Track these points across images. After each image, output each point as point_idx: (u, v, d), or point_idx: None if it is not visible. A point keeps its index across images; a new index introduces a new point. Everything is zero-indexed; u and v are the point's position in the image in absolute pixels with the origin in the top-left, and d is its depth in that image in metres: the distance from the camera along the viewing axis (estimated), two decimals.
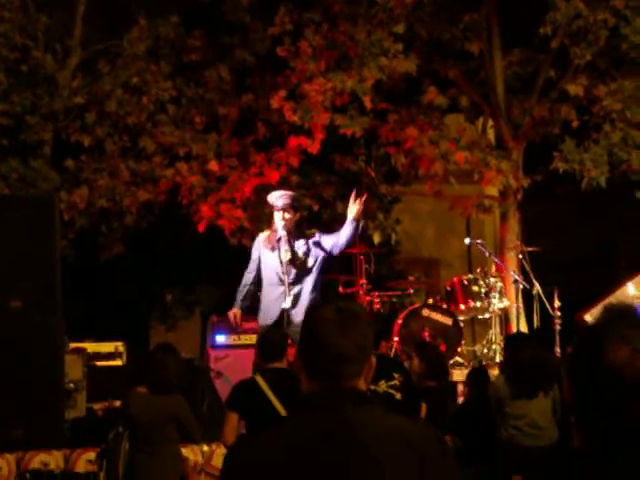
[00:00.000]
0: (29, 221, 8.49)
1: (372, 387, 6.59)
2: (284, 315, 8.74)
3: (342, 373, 2.56)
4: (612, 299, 11.30)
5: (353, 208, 8.90)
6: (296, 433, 2.51)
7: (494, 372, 9.13)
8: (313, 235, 9.14)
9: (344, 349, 2.56)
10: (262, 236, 9.22)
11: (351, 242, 9.10)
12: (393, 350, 10.90)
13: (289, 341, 7.84)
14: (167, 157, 12.65)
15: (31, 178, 11.76)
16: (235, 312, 9.09)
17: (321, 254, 9.01)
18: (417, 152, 12.59)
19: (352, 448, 2.45)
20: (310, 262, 8.95)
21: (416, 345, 8.50)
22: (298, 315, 8.71)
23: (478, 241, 11.76)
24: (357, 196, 8.91)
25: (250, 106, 12.81)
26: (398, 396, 6.67)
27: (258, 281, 9.15)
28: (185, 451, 7.46)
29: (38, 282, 8.39)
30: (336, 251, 9.02)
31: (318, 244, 9.01)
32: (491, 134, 14.11)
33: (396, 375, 6.74)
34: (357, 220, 8.90)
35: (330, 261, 9.20)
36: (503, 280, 11.59)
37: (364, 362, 2.61)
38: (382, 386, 6.62)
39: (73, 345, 10.04)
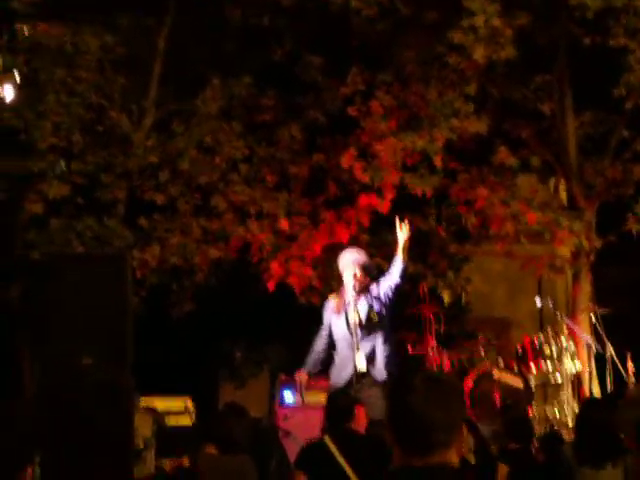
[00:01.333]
0: (102, 279, 8.58)
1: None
2: (355, 377, 8.70)
3: (431, 443, 2.53)
4: None
5: (400, 236, 8.86)
6: None
7: (565, 436, 8.98)
8: (368, 287, 9.10)
9: (434, 419, 2.53)
10: (332, 301, 9.23)
11: (404, 276, 9.04)
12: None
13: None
14: (238, 215, 12.73)
15: (105, 236, 11.90)
16: (302, 375, 9.08)
17: (383, 305, 8.98)
18: (488, 212, 12.55)
19: None
20: (375, 317, 8.93)
21: (501, 407, 8.42)
22: (376, 373, 8.68)
23: (550, 302, 11.61)
24: (401, 223, 8.88)
25: (321, 165, 12.87)
26: (473, 461, 6.59)
27: (330, 346, 9.16)
28: None
29: (110, 339, 8.46)
30: (392, 291, 8.98)
31: (376, 297, 8.99)
32: (563, 195, 13.99)
33: (470, 439, 6.67)
34: (405, 249, 8.86)
35: (394, 309, 9.17)
36: (575, 342, 11.43)
37: (454, 432, 2.57)
38: None
39: (143, 402, 10.09)
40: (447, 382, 2.64)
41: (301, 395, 9.56)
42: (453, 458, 2.57)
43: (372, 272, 9.33)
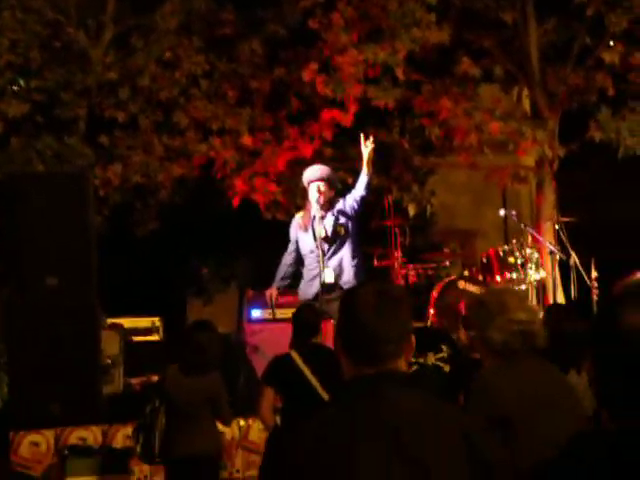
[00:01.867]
0: (64, 198, 8.54)
1: (420, 360, 6.61)
2: (322, 291, 8.77)
3: (382, 354, 2.57)
4: None
5: (364, 150, 8.89)
6: (340, 419, 2.51)
7: None
8: (337, 201, 9.14)
9: (384, 331, 2.57)
10: (298, 217, 9.28)
11: (369, 189, 9.09)
12: (429, 322, 10.88)
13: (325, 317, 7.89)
14: (200, 132, 12.65)
15: (66, 155, 11.79)
16: (272, 292, 9.19)
17: (349, 219, 9.03)
18: (451, 123, 12.52)
19: (397, 431, 2.45)
20: (342, 231, 8.98)
21: (463, 317, 8.47)
22: (344, 286, 8.75)
23: (513, 212, 11.66)
24: (366, 139, 8.89)
25: (282, 79, 12.76)
26: (446, 368, 6.68)
27: (299, 261, 9.21)
28: (221, 426, 7.47)
29: (73, 259, 8.44)
30: (358, 204, 9.03)
31: (342, 210, 9.03)
32: (526, 104, 13.97)
33: (444, 347, 6.75)
34: (369, 163, 8.89)
35: (361, 222, 9.21)
36: (539, 251, 11.50)
37: (404, 342, 2.61)
38: (430, 359, 6.64)
39: (110, 321, 10.11)
40: (395, 293, 2.67)
41: (272, 310, 9.62)
42: (402, 366, 2.61)
43: (336, 186, 9.35)
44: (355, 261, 9.01)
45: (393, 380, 2.56)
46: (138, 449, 6.78)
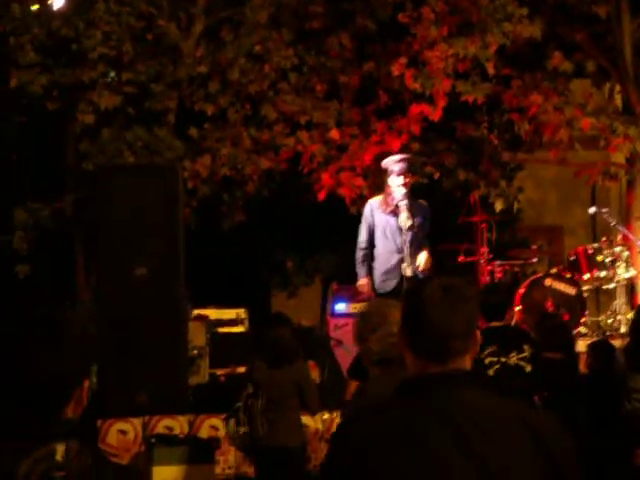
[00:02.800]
0: (153, 189, 8.64)
1: (503, 359, 6.55)
2: (402, 283, 8.69)
3: (449, 350, 2.54)
4: None
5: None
6: (405, 418, 2.50)
7: (617, 343, 8.95)
8: (427, 209, 9.03)
9: (451, 327, 2.54)
10: (375, 201, 9.11)
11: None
12: (514, 320, 10.78)
13: None
14: (288, 125, 12.69)
15: (155, 146, 11.94)
16: (366, 281, 9.02)
17: (426, 228, 8.92)
18: (541, 118, 12.37)
19: (463, 430, 2.43)
20: (421, 234, 8.87)
21: (538, 316, 8.39)
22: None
23: (603, 210, 11.49)
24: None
25: (371, 74, 12.74)
26: (528, 368, 6.61)
27: (372, 247, 9.08)
28: (305, 419, 7.51)
29: (162, 250, 8.54)
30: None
31: (425, 217, 8.92)
32: (618, 99, 13.75)
33: (526, 347, 6.68)
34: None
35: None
36: (629, 249, 11.32)
37: (470, 339, 2.59)
38: (513, 358, 6.57)
39: (196, 312, 10.21)
40: (462, 288, 2.63)
41: (370, 295, 9.49)
42: (468, 364, 2.59)
43: (418, 171, 9.26)
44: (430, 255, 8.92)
45: (459, 379, 2.53)
46: (240, 430, 6.85)
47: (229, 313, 11.18)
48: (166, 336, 8.28)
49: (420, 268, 8.63)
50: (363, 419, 2.60)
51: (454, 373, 2.54)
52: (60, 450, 7.28)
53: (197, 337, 9.33)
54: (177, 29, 12.24)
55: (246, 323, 11.19)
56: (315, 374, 8.45)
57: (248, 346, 9.45)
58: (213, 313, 10.85)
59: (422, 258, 8.68)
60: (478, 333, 2.63)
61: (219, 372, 9.61)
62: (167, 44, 12.28)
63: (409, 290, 2.74)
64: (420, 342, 2.58)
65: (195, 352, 9.23)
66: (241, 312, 11.23)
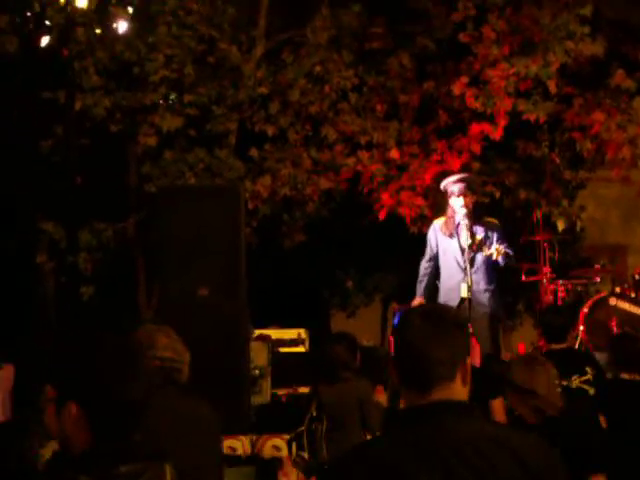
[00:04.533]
0: (215, 210, 8.68)
1: (564, 383, 6.46)
2: (463, 303, 8.67)
3: (432, 376, 2.56)
4: None
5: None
6: (392, 452, 2.50)
7: None
8: (493, 224, 9.02)
9: (431, 353, 2.57)
10: (438, 223, 9.16)
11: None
12: (578, 340, 10.66)
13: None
14: (348, 145, 12.72)
15: (217, 167, 12.03)
16: (420, 301, 9.08)
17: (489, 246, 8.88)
18: (603, 137, 12.28)
19: (450, 461, 2.44)
20: (486, 251, 8.83)
21: (613, 336, 8.26)
22: (477, 306, 8.63)
23: None
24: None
25: (431, 93, 12.72)
26: (592, 391, 6.51)
27: (436, 269, 9.12)
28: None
29: (224, 270, 8.57)
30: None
31: (495, 236, 8.89)
32: None
33: (588, 369, 6.59)
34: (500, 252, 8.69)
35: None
36: None
37: (456, 365, 2.59)
38: (575, 382, 6.49)
39: (257, 332, 10.24)
40: (444, 315, 2.65)
41: None
42: (458, 392, 2.58)
43: (477, 190, 9.27)
44: (492, 286, 8.86)
45: (446, 409, 2.55)
46: (303, 455, 6.87)
47: (290, 333, 11.21)
48: (228, 356, 8.31)
49: (493, 257, 8.62)
50: (352, 454, 2.62)
51: (437, 404, 2.55)
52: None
53: (259, 357, 9.34)
54: (238, 52, 12.32)
55: (307, 343, 11.21)
56: (383, 398, 8.42)
57: (308, 366, 9.46)
58: (274, 333, 10.88)
59: (493, 247, 8.66)
60: (468, 360, 2.63)
61: (281, 392, 9.63)
62: (228, 66, 12.37)
63: (399, 320, 2.77)
64: (403, 370, 2.63)
65: (257, 372, 9.24)
66: (302, 332, 11.25)
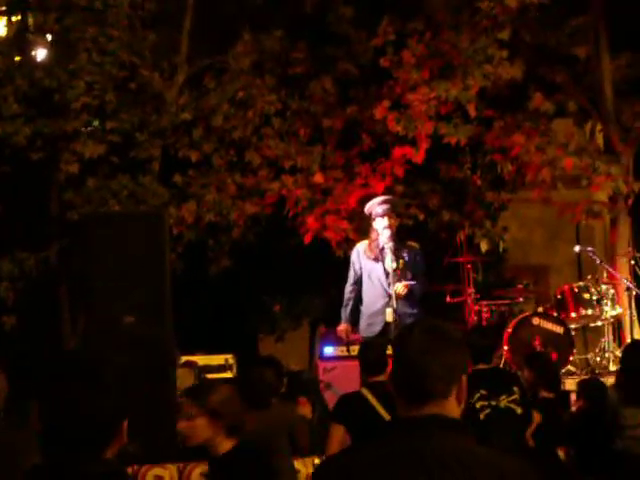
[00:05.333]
0: (140, 237, 8.65)
1: (493, 403, 6.53)
2: (388, 327, 8.71)
3: (429, 391, 2.58)
4: None
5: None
6: (377, 459, 2.52)
7: (607, 381, 8.96)
8: (415, 249, 9.08)
9: (430, 368, 2.59)
10: (362, 246, 9.19)
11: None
12: (503, 360, 10.79)
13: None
14: (273, 170, 12.74)
15: (141, 194, 11.96)
16: (345, 327, 9.11)
17: (419, 270, 8.95)
18: (524, 159, 12.46)
19: (432, 474, 2.45)
20: (409, 275, 8.89)
21: (528, 355, 8.39)
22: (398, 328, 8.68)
23: (588, 249, 11.57)
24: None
25: (354, 117, 12.81)
26: (519, 411, 6.60)
27: (360, 293, 9.15)
28: (297, 464, 7.47)
29: (149, 297, 8.53)
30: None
31: (417, 261, 8.96)
32: (600, 138, 13.87)
33: (515, 389, 6.67)
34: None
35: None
36: (615, 287, 11.38)
37: (452, 382, 2.62)
38: (503, 401, 6.56)
39: (184, 358, 10.19)
40: (445, 331, 2.68)
41: (348, 347, 9.58)
42: (451, 409, 2.62)
43: (401, 213, 9.36)
44: (416, 310, 8.91)
45: (435, 424, 2.57)
46: None
47: (217, 359, 11.17)
48: (155, 383, 8.25)
49: (395, 294, 8.65)
50: (337, 459, 2.64)
51: (430, 418, 2.58)
52: None
53: (186, 384, 9.29)
54: (160, 78, 12.29)
55: (234, 368, 11.17)
56: (307, 410, 8.41)
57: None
58: (201, 359, 10.84)
59: (399, 284, 8.69)
60: (464, 378, 2.65)
61: None
62: (150, 93, 12.33)
63: (397, 333, 2.80)
64: (401, 382, 2.63)
65: (184, 399, 9.17)
66: (229, 358, 11.22)
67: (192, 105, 12.40)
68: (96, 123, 12.25)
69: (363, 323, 9.05)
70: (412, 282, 8.79)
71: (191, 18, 12.63)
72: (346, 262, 9.52)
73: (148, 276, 8.59)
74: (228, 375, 11.05)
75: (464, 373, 2.67)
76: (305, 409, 8.35)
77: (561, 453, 7.26)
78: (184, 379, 9.33)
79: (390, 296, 8.67)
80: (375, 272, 8.95)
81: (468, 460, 2.50)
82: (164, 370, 8.46)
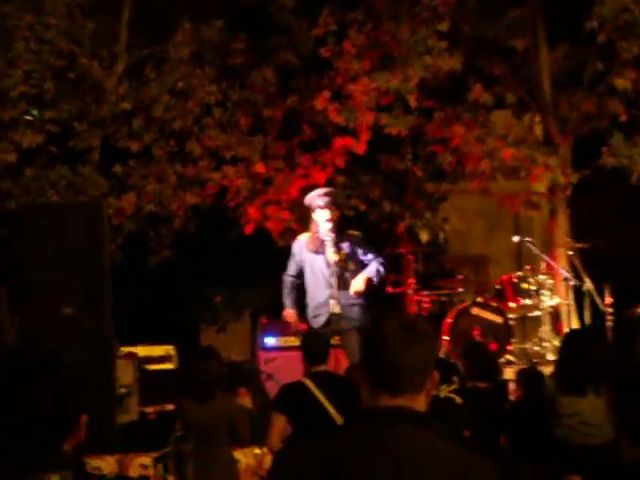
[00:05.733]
0: (78, 227, 8.58)
1: (434, 393, 6.58)
2: (332, 318, 8.75)
3: (405, 385, 2.60)
4: None
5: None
6: (340, 447, 2.54)
7: (545, 370, 9.06)
8: (356, 237, 9.10)
9: (408, 362, 2.61)
10: (304, 238, 9.20)
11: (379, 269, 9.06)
12: (443, 349, 10.87)
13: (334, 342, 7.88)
14: (214, 160, 12.70)
15: (80, 184, 11.85)
16: (290, 312, 9.10)
17: (361, 259, 8.99)
18: (463, 150, 12.54)
19: (397, 466, 2.47)
20: (352, 266, 8.93)
21: (465, 346, 8.46)
22: (345, 320, 8.72)
23: (527, 239, 11.69)
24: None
25: (295, 108, 12.81)
26: (458, 400, 6.65)
27: (303, 284, 9.16)
28: (237, 454, 7.47)
29: (88, 288, 8.47)
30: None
31: (360, 250, 8.99)
32: (538, 130, 13.97)
33: (455, 379, 6.73)
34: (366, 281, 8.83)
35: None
36: (553, 277, 11.52)
37: (426, 377, 2.64)
38: (444, 391, 6.62)
39: (124, 350, 10.12)
40: (421, 327, 2.70)
41: (295, 334, 9.59)
42: (421, 403, 2.64)
43: (342, 204, 9.37)
44: (360, 300, 8.95)
45: (405, 416, 2.60)
46: (169, 478, 6.78)
47: (158, 350, 11.12)
48: (93, 375, 8.19)
49: (352, 292, 8.72)
50: (303, 446, 2.64)
51: (401, 410, 2.60)
52: None
53: (125, 375, 9.25)
54: (99, 67, 12.19)
55: (175, 360, 11.13)
56: (247, 401, 8.41)
57: (177, 383, 9.39)
58: (142, 350, 10.77)
59: (356, 280, 8.77)
60: (436, 374, 2.68)
61: (149, 410, 9.54)
62: (89, 82, 12.22)
63: (370, 325, 2.79)
64: (377, 373, 2.64)
65: (123, 390, 9.14)
66: (170, 349, 11.18)
67: (132, 95, 12.32)
68: (35, 112, 12.10)
69: (309, 315, 9.09)
70: (371, 274, 8.86)
71: (130, 7, 12.53)
72: (287, 252, 9.52)
73: (87, 267, 8.53)
74: (169, 366, 11.00)
75: (435, 368, 2.70)
76: (245, 400, 8.36)
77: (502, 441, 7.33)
78: (124, 370, 9.27)
79: (333, 287, 8.71)
80: (317, 264, 8.97)
81: (429, 455, 2.53)
82: (103, 361, 8.40)
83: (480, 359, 7.65)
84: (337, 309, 8.72)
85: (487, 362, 7.74)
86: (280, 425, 6.55)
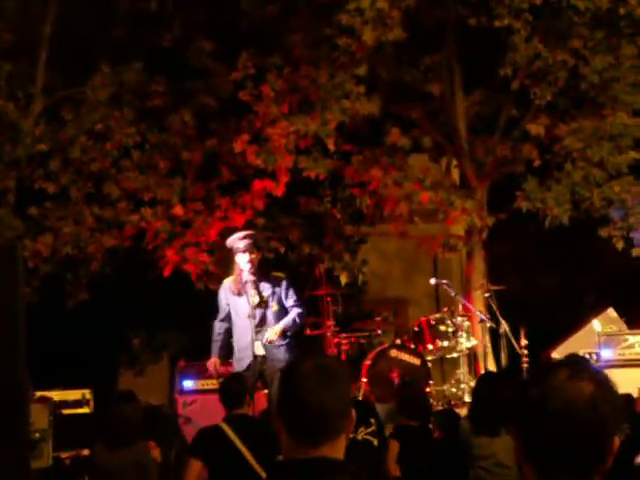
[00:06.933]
0: None
1: (351, 435, 6.58)
2: (257, 361, 8.74)
3: (324, 429, 2.57)
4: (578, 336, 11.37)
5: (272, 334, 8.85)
6: None
7: (462, 412, 9.13)
8: (281, 279, 9.13)
9: (326, 406, 2.57)
10: (228, 282, 9.21)
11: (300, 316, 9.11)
12: (362, 392, 10.88)
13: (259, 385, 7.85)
14: (132, 202, 12.62)
15: None
16: (214, 361, 9.09)
17: (285, 302, 9.01)
18: (382, 193, 12.65)
19: None
20: (275, 307, 8.95)
21: (398, 385, 8.49)
22: (274, 361, 8.71)
23: (444, 281, 11.81)
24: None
25: (214, 150, 12.82)
26: (375, 442, 6.66)
27: (230, 328, 9.15)
28: None
29: (1, 331, 8.31)
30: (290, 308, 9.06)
31: (283, 293, 9.01)
32: (455, 173, 14.21)
33: (372, 421, 6.74)
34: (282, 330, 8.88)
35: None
36: (470, 319, 11.62)
37: (346, 417, 2.62)
38: (361, 433, 6.63)
39: (39, 394, 9.94)
40: (337, 368, 2.68)
41: (219, 376, 9.52)
42: (341, 447, 2.61)
43: (262, 246, 9.40)
44: (285, 340, 8.96)
45: (327, 468, 2.56)
46: None
47: (74, 394, 10.93)
48: (6, 420, 8.03)
49: (266, 340, 8.73)
50: None
51: (323, 461, 2.57)
52: None
53: (40, 420, 9.07)
54: (15, 108, 12.06)
55: (92, 404, 10.96)
56: (156, 453, 8.31)
57: (93, 428, 9.25)
58: (57, 395, 10.58)
59: (270, 331, 8.78)
60: (353, 412, 2.65)
61: (63, 455, 9.36)
62: (5, 123, 12.09)
63: (285, 368, 2.74)
64: (295, 422, 2.60)
65: (37, 435, 8.97)
66: (86, 393, 11.00)
67: (49, 136, 12.20)
68: None
69: (235, 358, 9.08)
70: (286, 325, 8.87)
71: (48, 48, 12.44)
72: (207, 295, 9.51)
73: (0, 310, 8.38)
74: (85, 410, 10.83)
75: (352, 406, 2.68)
76: (154, 451, 8.26)
77: None
78: (38, 415, 9.10)
79: (256, 330, 8.72)
80: (241, 307, 8.97)
81: None
82: (16, 406, 8.24)
83: (413, 398, 7.68)
84: (261, 351, 8.73)
85: (419, 401, 7.77)
86: (195, 470, 6.44)
